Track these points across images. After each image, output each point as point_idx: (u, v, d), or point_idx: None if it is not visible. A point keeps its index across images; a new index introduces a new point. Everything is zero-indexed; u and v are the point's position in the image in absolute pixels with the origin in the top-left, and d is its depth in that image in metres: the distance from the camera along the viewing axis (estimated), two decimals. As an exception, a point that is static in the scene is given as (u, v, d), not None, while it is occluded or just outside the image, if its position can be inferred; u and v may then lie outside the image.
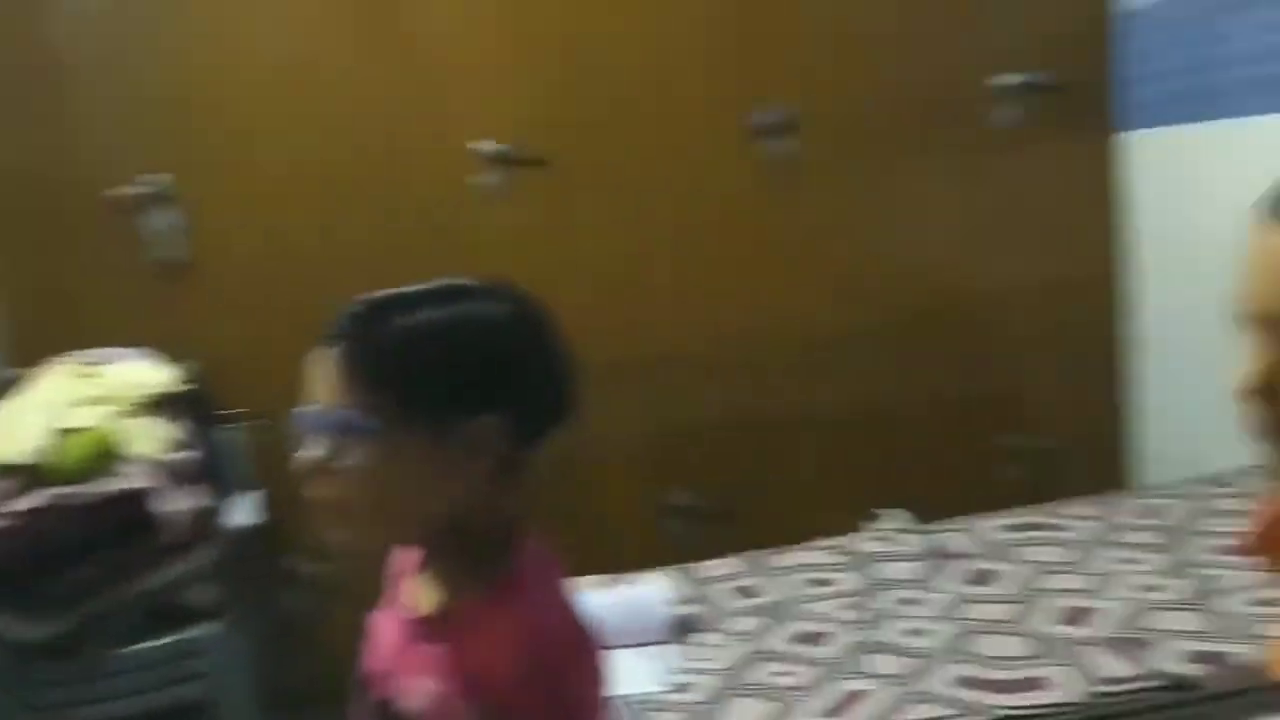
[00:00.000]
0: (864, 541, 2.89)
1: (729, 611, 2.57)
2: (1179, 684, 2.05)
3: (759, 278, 3.52)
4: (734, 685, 2.21)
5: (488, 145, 3.33)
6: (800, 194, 3.51)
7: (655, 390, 3.42)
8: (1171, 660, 2.11)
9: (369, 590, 1.26)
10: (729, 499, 3.53)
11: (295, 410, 1.08)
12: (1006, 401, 3.65)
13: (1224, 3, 3.16)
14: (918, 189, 3.53)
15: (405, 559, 1.19)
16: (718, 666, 2.29)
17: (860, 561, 2.77)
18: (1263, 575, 2.33)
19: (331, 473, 1.04)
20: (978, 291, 3.60)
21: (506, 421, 1.05)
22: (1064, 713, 2.00)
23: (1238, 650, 2.11)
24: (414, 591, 1.13)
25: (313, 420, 1.06)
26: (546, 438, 1.10)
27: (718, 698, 2.16)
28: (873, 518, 3.01)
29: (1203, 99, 3.28)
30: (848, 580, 2.68)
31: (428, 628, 1.08)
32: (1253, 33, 3.08)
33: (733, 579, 2.76)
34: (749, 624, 2.49)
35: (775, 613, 2.54)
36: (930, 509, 3.02)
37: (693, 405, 3.49)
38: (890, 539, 2.87)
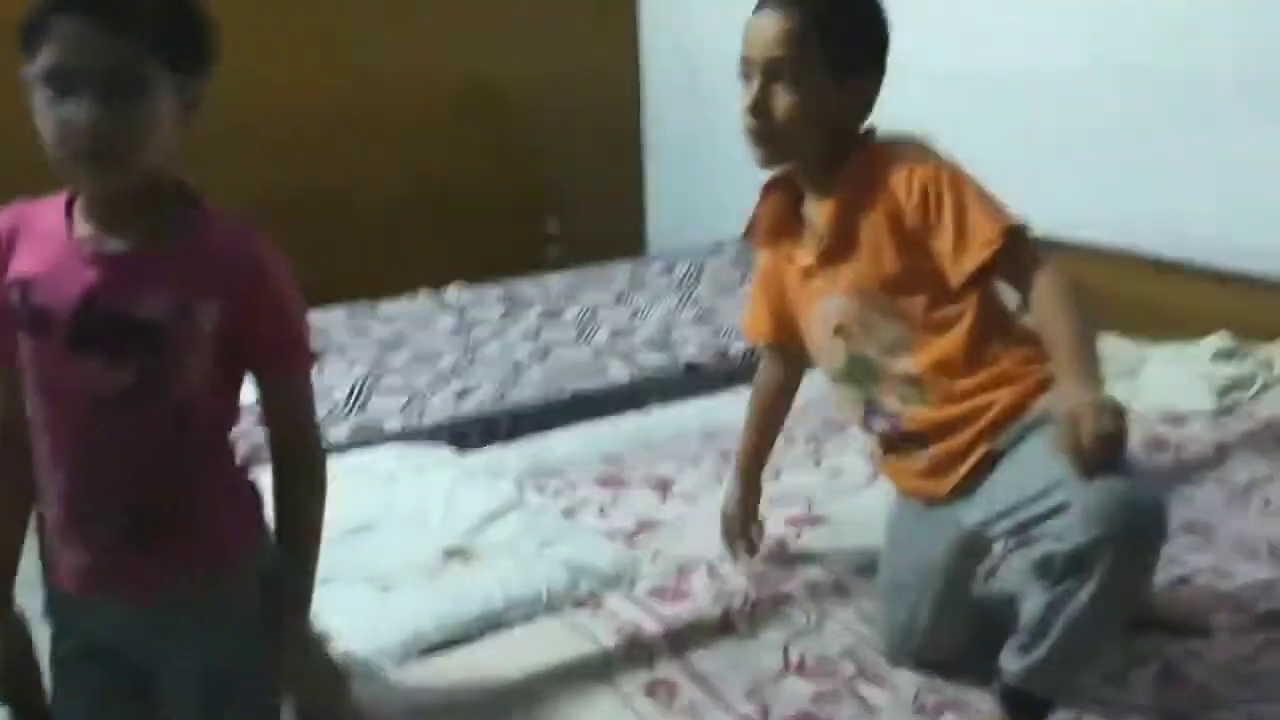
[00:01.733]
0: (450, 294, 3.49)
1: (347, 345, 3.07)
2: (695, 368, 2.90)
3: (317, 53, 3.74)
4: (373, 386, 2.74)
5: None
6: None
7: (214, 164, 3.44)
8: (690, 353, 2.95)
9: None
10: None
11: (61, 60, 1.16)
12: (551, 191, 4.34)
13: None
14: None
15: (29, 215, 1.29)
16: (350, 380, 2.78)
17: (451, 308, 3.37)
18: (743, 298, 3.23)
19: (104, 124, 1.16)
20: (522, 88, 4.14)
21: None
22: (622, 388, 2.78)
23: (734, 347, 3.00)
24: (98, 232, 1.25)
25: (84, 73, 1.16)
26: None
27: (362, 393, 2.69)
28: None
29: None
30: (444, 321, 3.27)
31: (143, 254, 1.24)
32: None
33: (340, 323, 3.24)
34: (366, 353, 3.00)
35: (387, 344, 3.07)
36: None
37: (257, 180, 3.53)
38: (471, 290, 3.50)
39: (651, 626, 1.73)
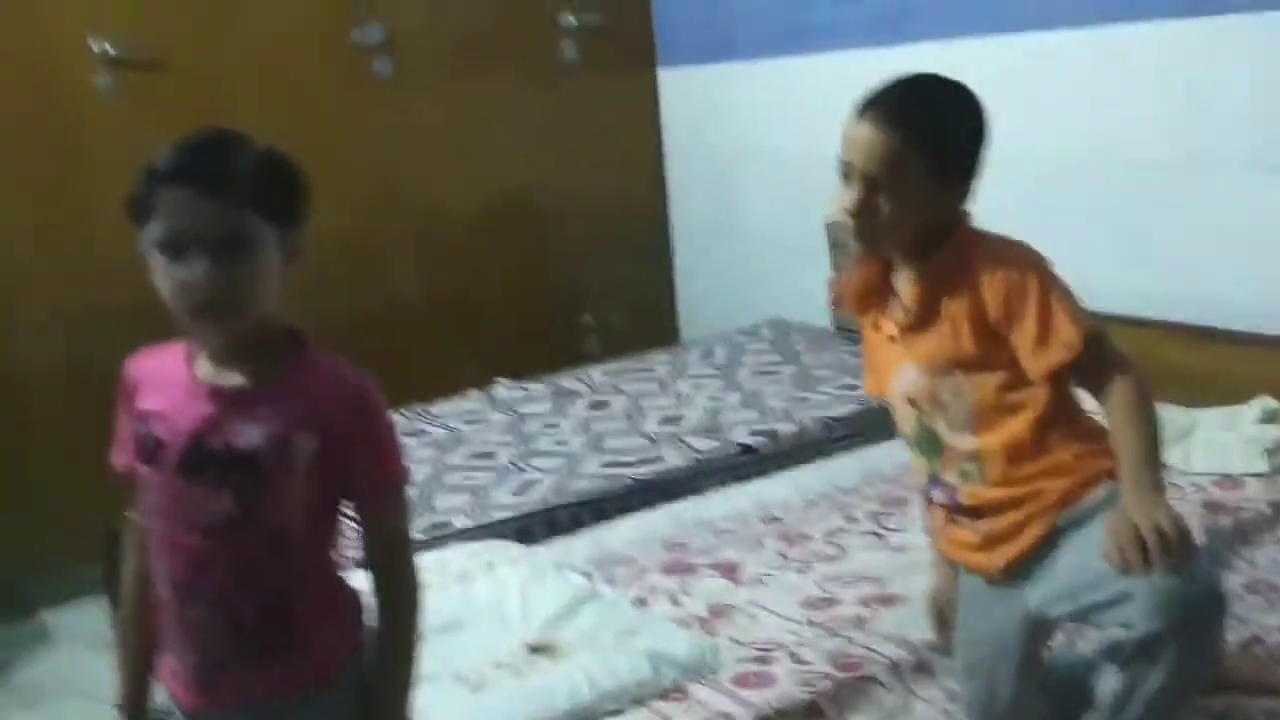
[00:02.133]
0: (499, 391, 3.57)
1: (407, 447, 3.11)
2: (746, 449, 2.96)
3: (364, 183, 3.93)
4: (437, 485, 2.81)
5: (101, 46, 3.48)
6: (399, 108, 4.00)
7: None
8: (740, 436, 3.01)
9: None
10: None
11: (174, 229, 1.27)
12: (584, 288, 4.46)
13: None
14: (501, 111, 4.17)
15: (152, 361, 1.41)
16: (416, 479, 2.86)
17: (502, 405, 3.45)
18: (785, 380, 3.28)
19: (218, 282, 1.29)
20: (554, 198, 4.31)
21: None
22: (679, 473, 2.84)
23: (782, 427, 3.06)
24: (215, 372, 1.36)
25: (196, 239, 1.27)
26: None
27: (427, 492, 2.76)
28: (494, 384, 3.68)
29: (720, 44, 4.22)
30: (496, 418, 3.34)
31: (250, 390, 1.34)
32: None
33: (397, 426, 3.31)
34: (426, 453, 3.08)
35: (445, 444, 3.15)
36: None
37: (311, 296, 3.79)
38: (519, 387, 3.58)
39: (741, 715, 1.77)
